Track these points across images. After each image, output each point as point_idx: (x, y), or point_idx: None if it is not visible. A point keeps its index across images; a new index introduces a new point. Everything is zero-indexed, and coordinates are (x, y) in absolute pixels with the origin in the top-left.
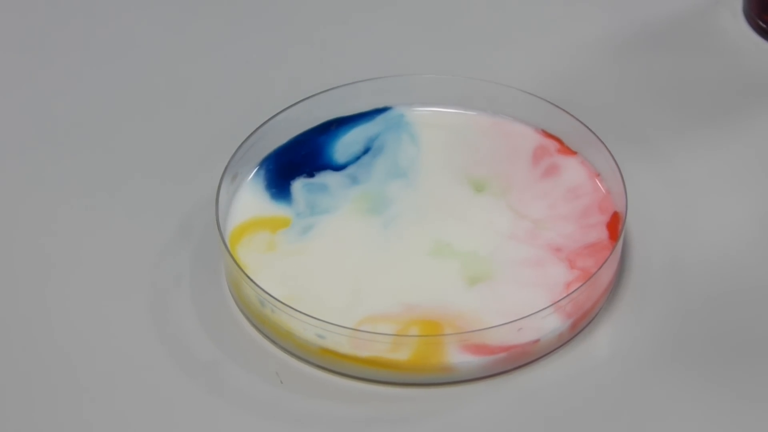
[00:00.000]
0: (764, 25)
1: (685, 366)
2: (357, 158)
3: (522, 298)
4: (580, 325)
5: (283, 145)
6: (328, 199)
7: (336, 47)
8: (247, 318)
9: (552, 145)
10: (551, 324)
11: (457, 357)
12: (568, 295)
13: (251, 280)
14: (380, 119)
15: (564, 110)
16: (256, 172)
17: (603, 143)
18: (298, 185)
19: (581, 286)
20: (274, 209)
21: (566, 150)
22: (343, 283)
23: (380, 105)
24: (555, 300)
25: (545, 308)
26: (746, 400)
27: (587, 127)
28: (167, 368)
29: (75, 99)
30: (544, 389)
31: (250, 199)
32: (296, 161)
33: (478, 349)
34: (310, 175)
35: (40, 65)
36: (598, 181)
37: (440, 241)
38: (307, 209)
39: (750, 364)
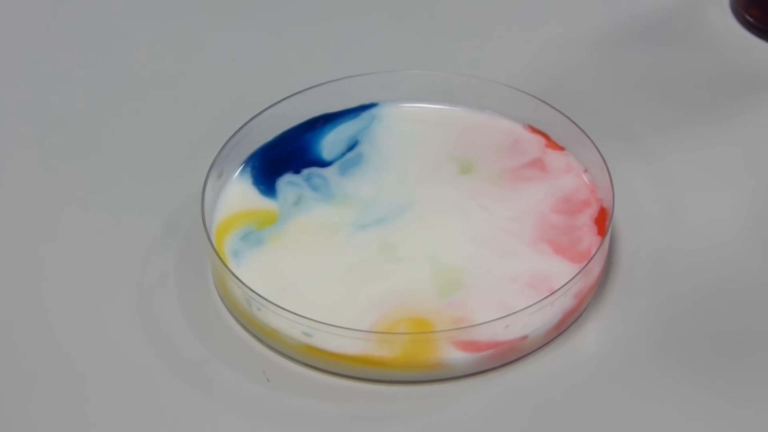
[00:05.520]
0: (751, 20)
1: (672, 361)
2: (343, 154)
3: (509, 294)
4: (567, 321)
5: (270, 141)
6: (314, 196)
7: (322, 44)
8: (234, 316)
9: (539, 140)
10: (539, 320)
11: (446, 354)
12: (555, 291)
13: (237, 277)
14: (366, 115)
15: (551, 105)
16: (242, 169)
17: (590, 138)
18: (284, 182)
19: (568, 282)
20: (260, 207)
21: (553, 145)
22: (330, 280)
23: (366, 101)
24: (542, 296)
25: (533, 305)
26: (734, 394)
27: (574, 123)
28: (153, 366)
29: (60, 96)
30: (533, 385)
31: (236, 196)
32: (282, 158)
33: (467, 345)
34: (297, 171)
35: (25, 63)
36: (584, 176)
37: (425, 239)
38: (293, 206)
39: (738, 359)
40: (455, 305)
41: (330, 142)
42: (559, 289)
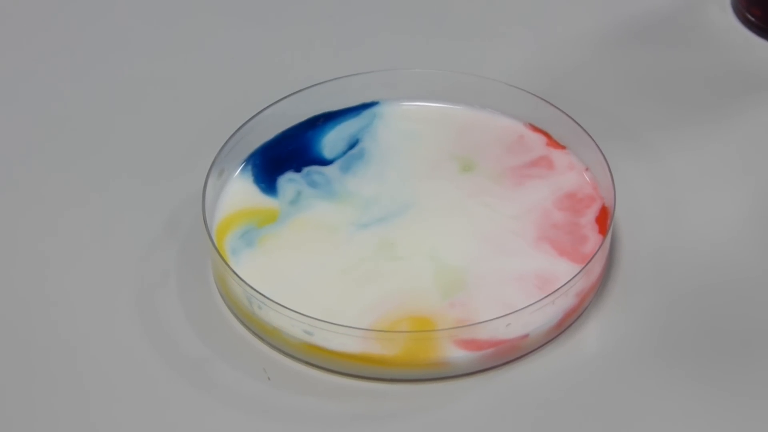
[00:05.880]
0: (752, 19)
1: (673, 360)
2: (344, 153)
3: (511, 293)
4: (568, 320)
5: (270, 140)
6: (314, 194)
7: (323, 42)
8: (234, 314)
9: (540, 139)
10: (540, 319)
11: (447, 352)
12: (556, 290)
13: (238, 276)
14: (367, 114)
15: (552, 104)
16: (243, 167)
17: (591, 137)
18: (285, 180)
19: (570, 280)
20: (261, 205)
21: (554, 144)
22: (331, 279)
23: (367, 100)
24: (543, 295)
25: (534, 303)
26: (735, 392)
27: (575, 121)
28: (154, 364)
29: (60, 96)
30: (534, 384)
31: (237, 194)
32: (283, 156)
33: (468, 344)
34: (298, 170)
35: (25, 63)
36: (586, 175)
37: (427, 237)
38: (293, 205)
39: (739, 357)
40: (457, 306)
41: (331, 141)
42: (560, 287)
